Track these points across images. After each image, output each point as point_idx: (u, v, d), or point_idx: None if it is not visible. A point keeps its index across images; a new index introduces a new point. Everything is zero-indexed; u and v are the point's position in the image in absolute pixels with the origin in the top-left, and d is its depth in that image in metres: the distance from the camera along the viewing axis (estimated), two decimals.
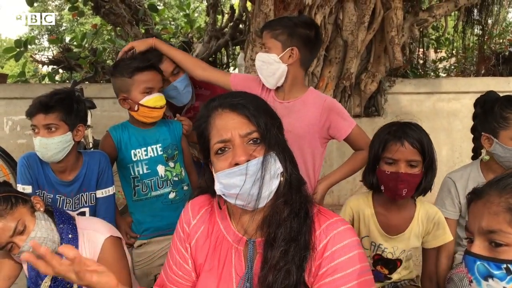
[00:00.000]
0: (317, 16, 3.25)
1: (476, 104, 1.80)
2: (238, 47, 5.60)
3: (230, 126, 1.03)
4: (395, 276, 1.69)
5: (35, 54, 6.43)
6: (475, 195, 0.94)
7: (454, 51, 5.54)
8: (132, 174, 1.87)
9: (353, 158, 1.85)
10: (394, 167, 1.52)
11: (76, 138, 1.74)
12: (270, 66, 1.74)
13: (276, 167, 1.03)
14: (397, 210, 1.63)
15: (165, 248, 1.89)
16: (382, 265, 1.68)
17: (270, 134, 1.04)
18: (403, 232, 1.63)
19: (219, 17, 5.88)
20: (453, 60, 5.80)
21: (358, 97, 3.89)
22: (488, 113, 1.68)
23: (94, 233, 1.53)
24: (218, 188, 1.05)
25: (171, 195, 1.89)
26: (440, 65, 5.86)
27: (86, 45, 5.32)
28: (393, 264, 1.67)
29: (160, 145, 1.88)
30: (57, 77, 5.41)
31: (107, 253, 1.51)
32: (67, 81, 5.03)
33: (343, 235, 1.04)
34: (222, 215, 1.15)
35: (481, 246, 0.89)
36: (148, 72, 1.81)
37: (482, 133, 1.70)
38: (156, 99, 1.81)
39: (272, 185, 1.02)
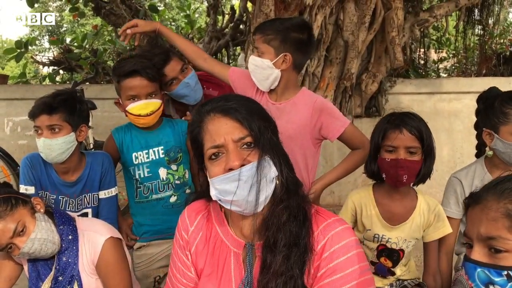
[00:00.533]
0: (318, 16, 3.24)
1: (479, 100, 1.80)
2: (238, 48, 5.59)
3: (222, 131, 1.02)
4: (397, 272, 1.70)
5: (36, 55, 6.45)
6: (472, 200, 0.92)
7: (455, 51, 5.53)
8: (134, 176, 1.87)
9: (349, 157, 1.84)
10: (394, 154, 1.57)
11: (79, 139, 1.74)
12: (264, 71, 1.71)
13: (271, 171, 1.02)
14: (399, 199, 1.66)
15: (165, 251, 1.89)
16: (386, 256, 1.69)
17: (263, 138, 1.03)
18: (405, 221, 1.65)
19: (220, 17, 5.88)
20: (454, 60, 5.79)
21: (359, 98, 3.87)
22: (489, 109, 1.69)
23: (94, 234, 1.53)
24: (213, 193, 1.04)
25: (172, 199, 1.88)
26: (441, 65, 5.85)
27: (87, 46, 5.32)
28: (396, 255, 1.68)
29: (162, 147, 1.86)
30: (57, 78, 5.41)
31: (107, 254, 1.51)
32: (67, 82, 5.03)
33: (341, 235, 1.03)
34: (219, 220, 1.15)
35: (481, 253, 0.88)
36: (132, 79, 1.74)
37: (483, 128, 1.70)
38: (140, 107, 1.75)
39: (268, 189, 1.01)
